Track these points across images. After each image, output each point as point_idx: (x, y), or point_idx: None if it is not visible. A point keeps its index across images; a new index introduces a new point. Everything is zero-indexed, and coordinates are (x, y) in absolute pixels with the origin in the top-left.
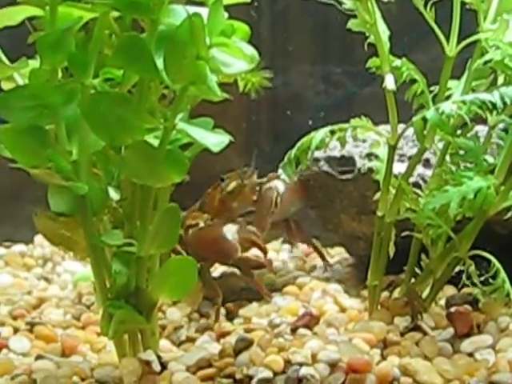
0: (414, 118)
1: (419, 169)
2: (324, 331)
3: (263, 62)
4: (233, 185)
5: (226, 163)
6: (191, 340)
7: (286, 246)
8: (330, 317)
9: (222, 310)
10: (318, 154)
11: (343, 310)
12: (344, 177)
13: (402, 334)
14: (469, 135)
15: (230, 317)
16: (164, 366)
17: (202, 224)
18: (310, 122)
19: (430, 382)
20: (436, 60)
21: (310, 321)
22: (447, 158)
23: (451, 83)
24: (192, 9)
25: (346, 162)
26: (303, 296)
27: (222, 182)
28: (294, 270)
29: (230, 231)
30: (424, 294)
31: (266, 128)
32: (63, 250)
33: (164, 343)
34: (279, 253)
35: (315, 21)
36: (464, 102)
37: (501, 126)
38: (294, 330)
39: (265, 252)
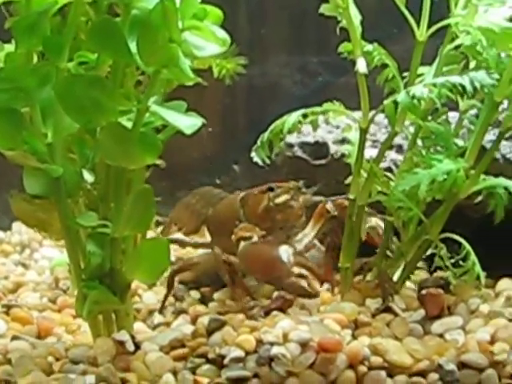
0: (385, 102)
1: (392, 154)
2: (297, 314)
3: (241, 52)
4: (283, 198)
5: (203, 150)
6: (166, 323)
7: None
8: (303, 299)
9: (197, 294)
10: (292, 139)
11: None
12: (317, 162)
13: (374, 316)
14: (440, 120)
15: (204, 300)
16: (138, 346)
17: (255, 238)
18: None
19: (400, 362)
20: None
21: (284, 304)
22: (419, 141)
23: (424, 69)
24: None
25: (320, 147)
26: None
27: (271, 191)
28: None
29: (286, 253)
30: (395, 277)
31: (243, 117)
32: (38, 232)
33: (139, 326)
34: None
35: (292, 11)
36: (435, 85)
37: (474, 112)
38: (267, 313)
39: (320, 280)
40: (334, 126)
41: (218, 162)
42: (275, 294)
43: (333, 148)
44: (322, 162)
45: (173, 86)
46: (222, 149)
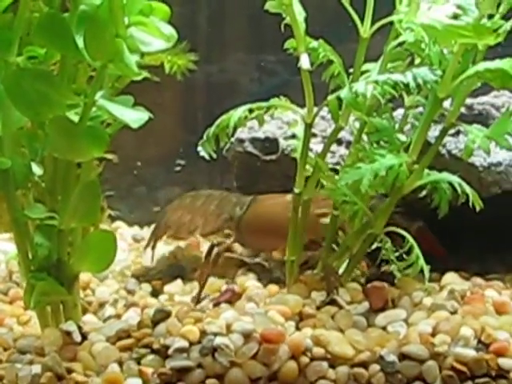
0: (329, 97)
1: (341, 150)
2: (244, 306)
3: (200, 50)
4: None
5: (162, 147)
6: (117, 316)
7: None
8: (251, 292)
9: (148, 288)
10: (243, 134)
11: (265, 286)
12: (268, 157)
13: (318, 308)
14: (385, 115)
15: (155, 293)
16: (84, 337)
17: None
18: None
19: (342, 353)
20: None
21: (232, 296)
22: (364, 137)
23: (371, 66)
24: None
25: (270, 143)
26: (227, 273)
27: None
28: None
29: None
30: (341, 270)
31: (201, 114)
32: None
33: (90, 318)
34: None
35: (250, 10)
36: (377, 82)
37: (421, 109)
38: (216, 306)
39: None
40: (284, 122)
41: (177, 158)
42: (224, 287)
43: (283, 143)
44: (273, 157)
45: (125, 82)
46: (181, 145)
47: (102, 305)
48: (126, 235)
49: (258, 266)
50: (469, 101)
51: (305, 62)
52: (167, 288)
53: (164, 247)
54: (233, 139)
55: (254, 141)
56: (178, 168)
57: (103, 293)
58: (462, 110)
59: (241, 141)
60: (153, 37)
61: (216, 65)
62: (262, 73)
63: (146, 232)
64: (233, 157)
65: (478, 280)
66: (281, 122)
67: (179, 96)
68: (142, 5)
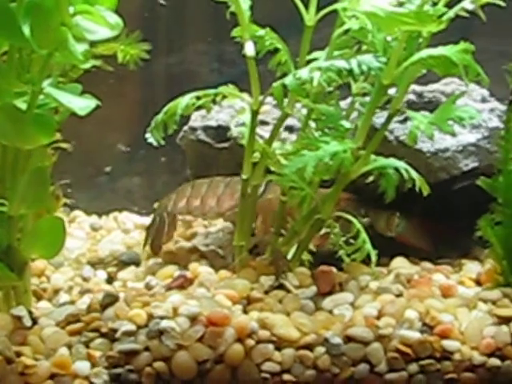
0: (274, 84)
1: (292, 137)
2: (195, 291)
3: (160, 42)
4: None
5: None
6: (71, 302)
7: None
8: (203, 278)
9: (104, 275)
10: (195, 123)
11: (217, 271)
12: (220, 145)
13: (267, 292)
14: (331, 102)
15: (110, 280)
16: (35, 322)
17: None
18: None
19: (287, 335)
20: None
21: (184, 282)
22: (312, 124)
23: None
24: None
25: (223, 131)
26: (180, 260)
27: None
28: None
29: None
30: (290, 255)
31: (162, 105)
32: None
33: (44, 305)
34: None
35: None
36: (320, 69)
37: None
38: (168, 291)
39: None
40: (236, 110)
41: (137, 148)
42: (176, 273)
43: (235, 131)
44: (225, 145)
45: (79, 72)
46: (141, 136)
47: (56, 291)
48: (84, 224)
49: (211, 253)
50: (419, 88)
51: (249, 49)
52: (121, 275)
53: (121, 235)
54: (186, 127)
55: (206, 129)
56: (139, 158)
57: (58, 280)
58: (413, 97)
59: (193, 129)
60: (98, 25)
61: (176, 56)
62: (222, 63)
63: (105, 221)
64: (186, 145)
65: (428, 265)
66: (234, 110)
67: (139, 87)
68: None
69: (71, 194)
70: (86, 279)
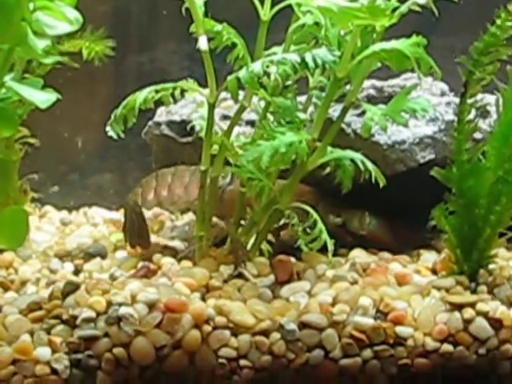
0: (229, 78)
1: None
2: (157, 281)
3: (131, 41)
4: None
5: (94, 135)
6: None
7: None
8: (166, 268)
9: (71, 267)
10: (160, 118)
11: (178, 262)
12: (184, 140)
13: (226, 281)
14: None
15: (77, 272)
16: None
17: None
18: None
19: (243, 322)
20: None
21: (147, 273)
22: (270, 117)
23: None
24: None
25: (186, 125)
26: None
27: None
28: None
29: None
30: (249, 245)
31: None
32: None
33: (11, 295)
34: None
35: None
36: (272, 62)
37: None
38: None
39: None
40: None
41: (108, 145)
42: (140, 264)
43: (196, 125)
44: (189, 139)
45: (47, 69)
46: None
47: (24, 283)
48: (54, 219)
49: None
50: (379, 83)
51: (203, 44)
52: (87, 266)
53: (89, 229)
54: (150, 122)
55: (170, 124)
56: (109, 155)
57: (26, 272)
58: (373, 92)
59: (158, 124)
60: (58, 20)
61: (146, 54)
62: (192, 62)
63: (74, 216)
64: (151, 139)
65: (386, 255)
66: (197, 104)
67: (110, 85)
68: None
69: (43, 189)
70: (53, 271)
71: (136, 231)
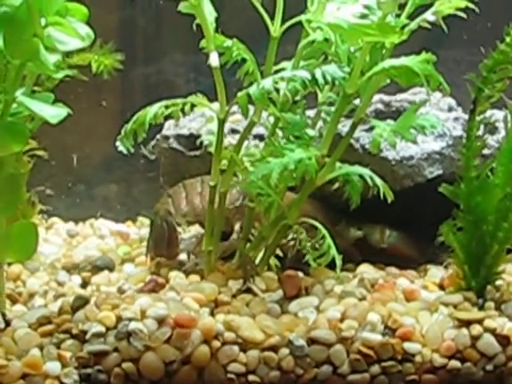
0: (239, 94)
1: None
2: (166, 295)
3: (138, 52)
4: None
5: (102, 147)
6: (46, 306)
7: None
8: (174, 282)
9: (78, 280)
10: (168, 131)
11: (187, 276)
12: (192, 153)
13: (234, 296)
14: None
15: (84, 285)
16: (8, 323)
17: None
18: None
19: (252, 337)
20: None
21: (155, 286)
22: (279, 132)
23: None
24: None
25: (195, 139)
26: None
27: None
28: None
29: None
30: (258, 260)
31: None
32: None
33: (20, 308)
34: (141, 228)
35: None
36: (282, 79)
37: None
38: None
39: None
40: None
41: (116, 157)
42: (148, 277)
43: (205, 139)
44: (197, 153)
45: (55, 82)
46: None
47: (32, 296)
48: (61, 230)
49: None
50: (387, 98)
51: (214, 60)
52: (95, 279)
53: (96, 241)
54: (159, 136)
55: (178, 137)
56: (117, 166)
57: (33, 284)
58: (380, 106)
59: (166, 137)
60: (69, 36)
61: (153, 66)
62: (199, 74)
63: (81, 228)
64: (159, 153)
65: (393, 270)
66: (206, 119)
67: (118, 97)
68: (58, 6)
69: (50, 201)
70: (60, 284)
71: (165, 241)
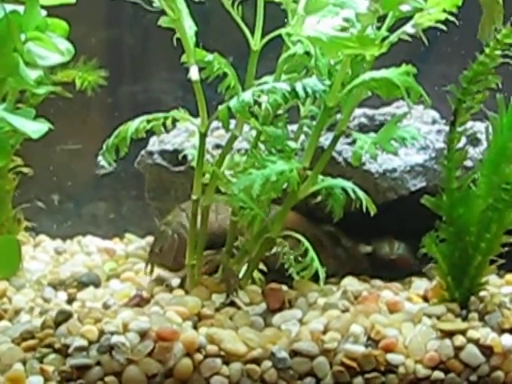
0: (220, 107)
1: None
2: (150, 309)
3: (124, 71)
4: None
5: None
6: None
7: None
8: (158, 297)
9: (64, 296)
10: (153, 147)
11: (171, 291)
12: (177, 169)
13: (218, 309)
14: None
15: (70, 301)
16: None
17: None
18: None
19: (234, 350)
20: None
21: (140, 302)
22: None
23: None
24: (10, 7)
25: (179, 154)
26: (139, 280)
27: None
28: (134, 258)
29: None
30: (241, 273)
31: None
32: None
33: (4, 324)
34: (128, 245)
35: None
36: (262, 91)
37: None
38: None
39: None
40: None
41: (103, 174)
42: (133, 292)
43: (188, 154)
44: (181, 168)
45: (40, 99)
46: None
47: (17, 312)
48: (48, 248)
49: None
50: (370, 112)
51: (194, 74)
52: (80, 295)
53: (83, 257)
54: (143, 152)
55: (163, 153)
56: (104, 184)
57: (19, 301)
58: (364, 120)
59: (150, 153)
60: (49, 51)
61: (140, 84)
62: (186, 91)
63: (68, 245)
64: (143, 169)
65: (378, 282)
66: (189, 134)
67: (104, 115)
68: (38, 21)
69: (38, 218)
70: (46, 300)
71: (173, 253)
